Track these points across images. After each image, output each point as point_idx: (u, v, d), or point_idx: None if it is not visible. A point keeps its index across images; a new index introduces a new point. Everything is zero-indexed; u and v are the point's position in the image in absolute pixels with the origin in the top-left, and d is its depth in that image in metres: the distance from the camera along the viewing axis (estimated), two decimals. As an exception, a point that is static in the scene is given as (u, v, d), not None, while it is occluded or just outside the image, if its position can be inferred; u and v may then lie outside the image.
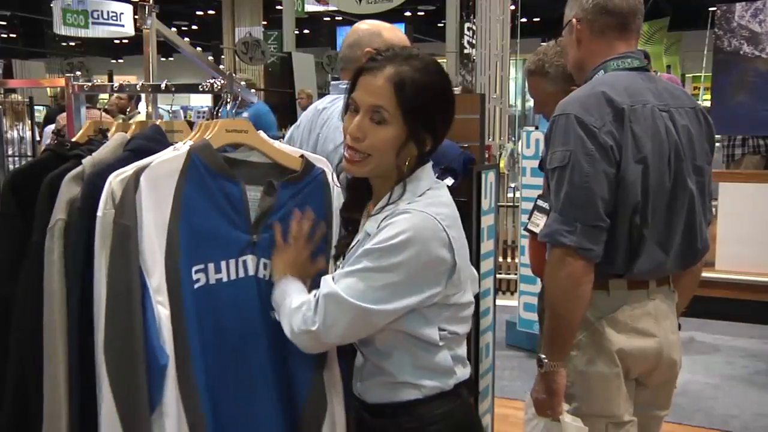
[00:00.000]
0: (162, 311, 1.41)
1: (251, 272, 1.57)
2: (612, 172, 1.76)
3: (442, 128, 1.54)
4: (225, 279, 1.53)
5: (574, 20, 1.94)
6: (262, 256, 1.57)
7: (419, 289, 1.43)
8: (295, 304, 1.48)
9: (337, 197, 1.68)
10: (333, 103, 2.28)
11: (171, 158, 1.47)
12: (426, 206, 1.46)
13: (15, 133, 4.44)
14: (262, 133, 1.65)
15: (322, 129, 2.24)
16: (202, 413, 1.47)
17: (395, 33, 2.41)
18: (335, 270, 1.56)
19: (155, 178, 1.43)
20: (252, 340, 1.57)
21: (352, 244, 1.55)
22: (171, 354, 1.42)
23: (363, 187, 1.60)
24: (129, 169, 1.44)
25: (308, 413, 1.62)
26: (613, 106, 1.78)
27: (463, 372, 1.56)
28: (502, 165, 6.05)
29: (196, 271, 1.49)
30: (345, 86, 2.35)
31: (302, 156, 1.65)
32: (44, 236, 1.49)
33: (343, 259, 1.55)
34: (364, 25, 2.39)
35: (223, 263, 1.53)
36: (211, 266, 1.51)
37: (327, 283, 1.45)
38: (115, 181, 1.42)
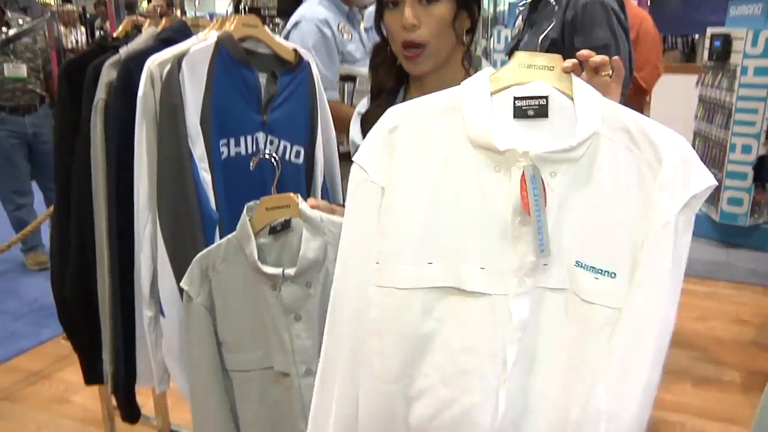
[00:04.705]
0: (205, 176, 1.38)
1: (261, 146, 1.51)
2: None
3: None
4: (243, 152, 1.49)
5: None
6: (269, 133, 1.52)
7: None
8: None
9: (319, 86, 1.60)
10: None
11: (204, 47, 1.39)
12: None
13: (72, 38, 4.39)
14: (266, 27, 1.58)
15: None
16: None
17: None
18: None
19: (193, 63, 1.36)
20: None
21: None
22: None
23: (388, 88, 1.30)
24: (165, 54, 1.37)
25: None
26: None
27: None
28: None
29: (222, 145, 1.45)
30: None
31: (294, 49, 1.57)
32: (90, 113, 1.45)
33: None
34: None
35: (241, 138, 1.48)
36: (232, 141, 1.47)
37: None
38: (153, 64, 1.35)
